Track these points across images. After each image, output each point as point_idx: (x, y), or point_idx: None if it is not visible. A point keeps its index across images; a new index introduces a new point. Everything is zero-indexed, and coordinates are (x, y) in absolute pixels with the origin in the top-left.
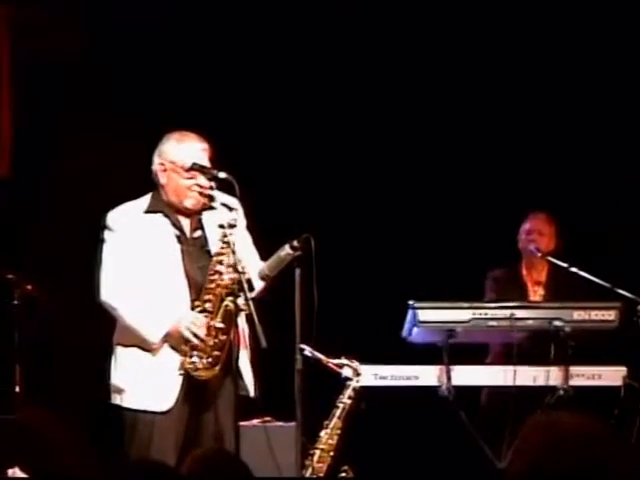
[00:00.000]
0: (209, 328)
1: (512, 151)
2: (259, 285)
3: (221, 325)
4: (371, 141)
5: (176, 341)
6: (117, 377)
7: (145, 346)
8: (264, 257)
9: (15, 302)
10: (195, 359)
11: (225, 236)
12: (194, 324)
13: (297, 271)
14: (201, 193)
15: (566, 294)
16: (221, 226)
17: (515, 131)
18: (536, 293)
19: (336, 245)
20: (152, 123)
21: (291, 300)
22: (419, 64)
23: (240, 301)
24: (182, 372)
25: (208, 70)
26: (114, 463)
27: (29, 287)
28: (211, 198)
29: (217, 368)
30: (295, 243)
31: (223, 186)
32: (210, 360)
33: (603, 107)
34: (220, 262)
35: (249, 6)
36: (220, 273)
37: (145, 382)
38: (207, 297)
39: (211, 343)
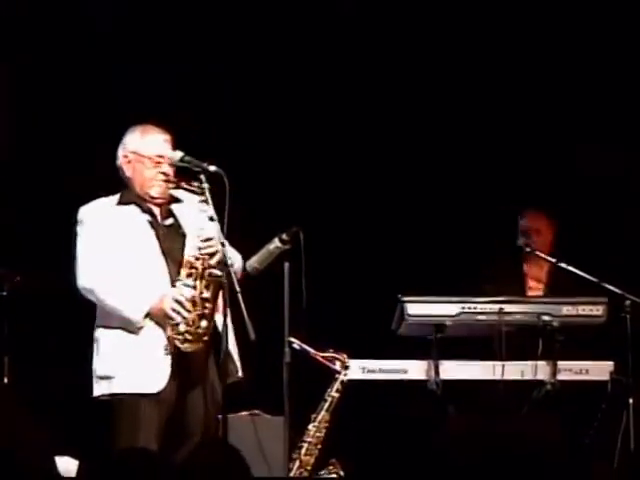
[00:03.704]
0: (194, 301)
1: (502, 147)
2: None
3: (206, 295)
4: (362, 136)
5: (160, 318)
6: (102, 365)
7: (129, 327)
8: (254, 251)
9: (4, 293)
10: (182, 327)
11: (200, 212)
12: (177, 301)
13: (286, 265)
14: (166, 181)
15: (566, 293)
16: (211, 218)
17: (508, 126)
18: (535, 290)
19: (325, 239)
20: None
21: (280, 293)
22: (413, 63)
23: (219, 272)
24: (167, 350)
25: (207, 68)
26: (108, 452)
27: (18, 279)
28: (176, 184)
29: (205, 339)
30: (284, 237)
31: (213, 180)
32: (199, 331)
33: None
34: (198, 236)
35: (249, 5)
36: (199, 248)
37: (133, 365)
38: (188, 271)
39: (198, 313)
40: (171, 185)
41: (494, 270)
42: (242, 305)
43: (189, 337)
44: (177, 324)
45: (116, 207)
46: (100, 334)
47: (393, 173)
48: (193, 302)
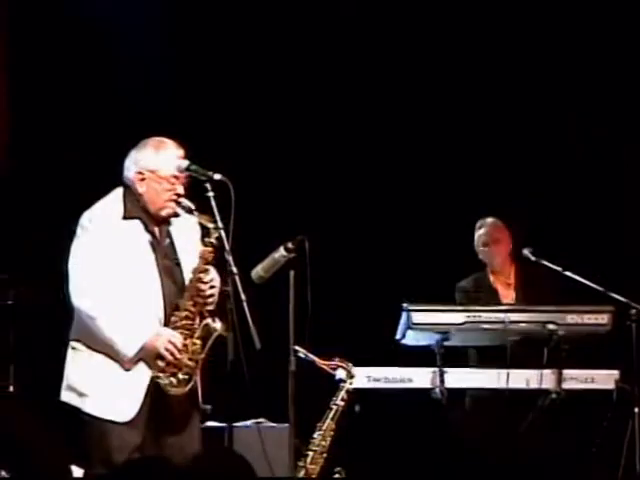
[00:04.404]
0: (186, 346)
1: (504, 156)
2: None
3: (197, 346)
4: (366, 146)
5: (150, 356)
6: (77, 378)
7: (114, 356)
8: (259, 259)
9: (10, 302)
10: (172, 379)
11: (205, 253)
12: (171, 342)
13: (291, 273)
14: (178, 203)
15: (537, 294)
16: (205, 244)
17: (508, 141)
18: (507, 296)
19: (330, 247)
20: (148, 123)
21: (285, 302)
22: (405, 67)
23: (218, 325)
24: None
25: (206, 69)
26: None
27: (23, 287)
28: (185, 207)
29: (191, 384)
30: (290, 245)
31: (218, 188)
32: (187, 377)
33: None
34: (199, 280)
35: (249, 5)
36: (200, 290)
37: (109, 390)
38: (185, 314)
39: (187, 362)
40: (183, 209)
41: (462, 287)
42: (247, 313)
43: (176, 383)
44: (163, 370)
45: (121, 221)
46: (79, 347)
47: (398, 182)
48: (185, 349)
